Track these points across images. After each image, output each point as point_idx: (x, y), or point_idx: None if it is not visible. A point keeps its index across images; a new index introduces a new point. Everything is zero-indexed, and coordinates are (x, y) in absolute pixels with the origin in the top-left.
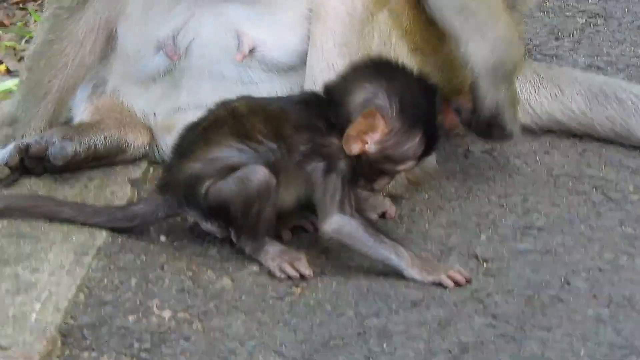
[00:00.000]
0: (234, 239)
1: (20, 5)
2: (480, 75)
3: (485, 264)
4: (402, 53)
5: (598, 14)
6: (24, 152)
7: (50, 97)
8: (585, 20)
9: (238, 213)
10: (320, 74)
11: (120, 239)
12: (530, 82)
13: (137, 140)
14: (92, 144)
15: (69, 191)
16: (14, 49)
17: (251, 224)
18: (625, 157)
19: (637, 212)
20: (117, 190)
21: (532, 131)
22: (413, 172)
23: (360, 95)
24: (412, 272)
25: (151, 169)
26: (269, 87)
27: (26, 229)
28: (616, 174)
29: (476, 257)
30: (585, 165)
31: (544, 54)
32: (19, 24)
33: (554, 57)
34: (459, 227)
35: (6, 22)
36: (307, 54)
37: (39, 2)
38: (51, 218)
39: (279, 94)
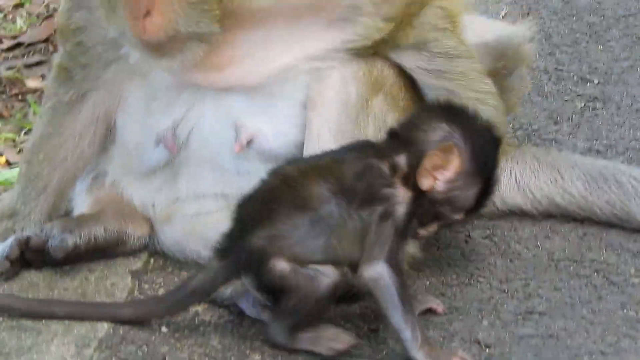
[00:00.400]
0: (266, 320)
1: (20, 97)
2: None
3: (487, 349)
4: None
5: (597, 98)
6: (24, 245)
7: (50, 189)
8: (584, 104)
9: (295, 306)
10: None
11: (121, 330)
12: (529, 167)
13: (137, 232)
14: (92, 236)
15: (70, 283)
16: (14, 140)
17: (301, 318)
18: (626, 240)
19: (638, 295)
20: (117, 281)
21: (532, 216)
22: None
23: (437, 133)
24: (419, 354)
25: (152, 260)
26: None
27: (27, 322)
28: (617, 258)
29: (478, 342)
30: (586, 249)
31: (543, 138)
32: (18, 115)
33: (553, 142)
34: (460, 313)
35: (5, 113)
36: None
37: (39, 93)
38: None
39: None
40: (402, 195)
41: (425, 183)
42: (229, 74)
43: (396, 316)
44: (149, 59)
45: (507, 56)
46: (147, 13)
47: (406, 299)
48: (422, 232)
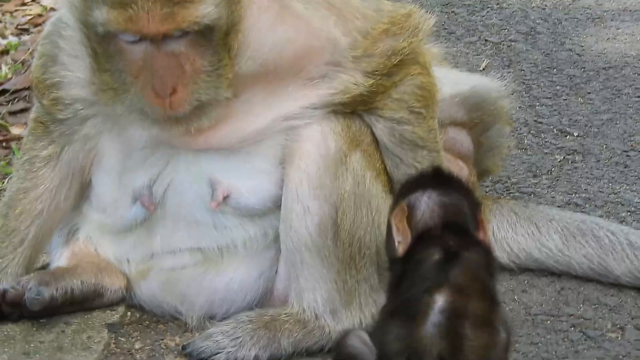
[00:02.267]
0: None
1: (4, 144)
2: None
3: None
4: (376, 193)
5: (576, 151)
6: (1, 298)
7: (27, 243)
8: (564, 157)
9: None
10: (296, 218)
11: None
12: (507, 220)
13: (113, 285)
14: (68, 288)
15: (46, 336)
16: None
17: None
18: (604, 295)
19: (615, 350)
20: (94, 335)
21: (509, 269)
22: None
23: None
24: None
25: (128, 313)
26: (242, 232)
27: None
28: (594, 312)
29: None
30: (563, 303)
31: (522, 191)
32: (2, 162)
33: (532, 195)
34: None
35: None
36: (281, 198)
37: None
38: None
39: (252, 238)
40: None
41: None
42: (206, 137)
43: None
44: (169, 129)
45: (483, 109)
46: (173, 91)
47: None
48: None
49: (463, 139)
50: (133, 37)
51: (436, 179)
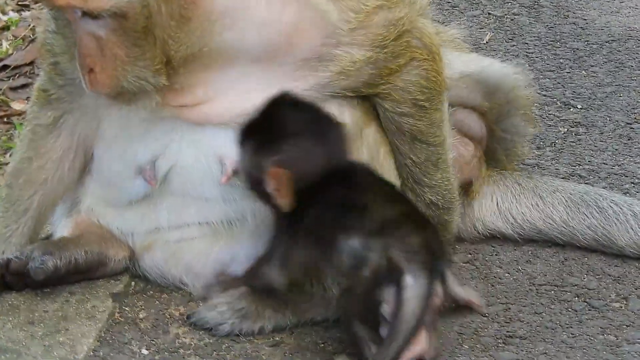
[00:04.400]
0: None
1: (5, 120)
2: None
3: None
4: (389, 168)
5: (580, 123)
6: (5, 267)
7: (31, 213)
8: (567, 130)
9: None
10: None
11: (101, 352)
12: (511, 192)
13: (117, 255)
14: (72, 258)
15: (50, 306)
16: None
17: None
18: (607, 265)
19: (619, 319)
20: (98, 304)
21: (514, 240)
22: None
23: None
24: None
25: (133, 283)
26: (252, 204)
27: (7, 343)
28: (598, 282)
29: None
30: (567, 273)
31: (526, 163)
32: (3, 137)
33: (536, 167)
34: (441, 337)
35: None
36: None
37: (23, 116)
38: None
39: (262, 209)
40: None
41: None
42: (205, 111)
43: None
44: (107, 101)
45: (496, 95)
46: (91, 70)
47: None
48: None
49: (472, 123)
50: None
51: (292, 121)
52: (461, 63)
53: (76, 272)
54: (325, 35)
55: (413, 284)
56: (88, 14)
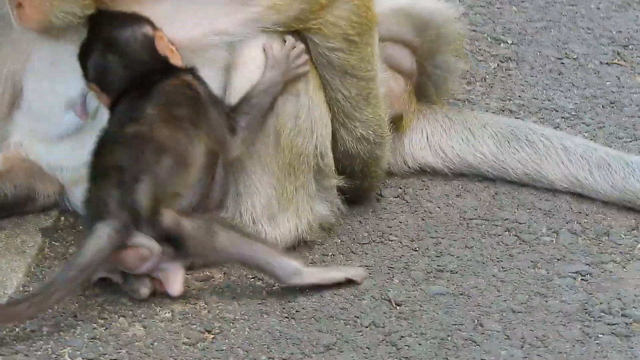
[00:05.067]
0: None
1: None
2: None
3: (398, 307)
4: (318, 102)
5: (510, 58)
6: None
7: None
8: (498, 65)
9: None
10: None
11: (31, 287)
12: (441, 125)
13: (46, 190)
14: (1, 193)
15: None
16: None
17: None
18: (538, 199)
19: (549, 253)
20: (27, 239)
21: (444, 175)
22: None
23: None
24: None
25: (62, 218)
26: None
27: None
28: (529, 216)
29: (389, 300)
30: (497, 208)
31: (456, 98)
32: None
33: (466, 102)
34: (371, 271)
35: None
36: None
37: None
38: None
39: None
40: None
41: None
42: None
43: None
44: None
45: (426, 31)
46: (19, 5)
47: None
48: None
49: (402, 58)
50: None
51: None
52: None
53: (4, 207)
54: None
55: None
56: None
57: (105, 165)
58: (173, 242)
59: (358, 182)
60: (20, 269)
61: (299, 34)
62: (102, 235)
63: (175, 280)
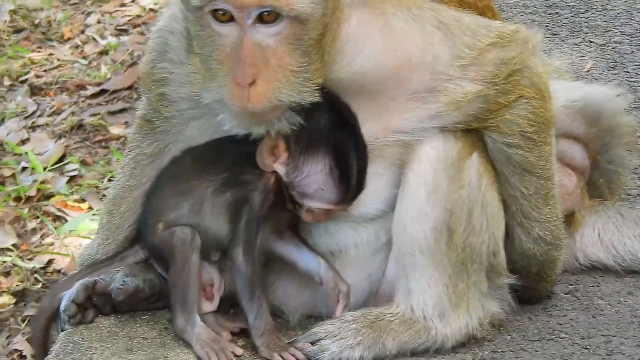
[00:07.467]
0: None
1: (103, 144)
2: None
3: None
4: (491, 201)
5: None
6: (91, 289)
7: (130, 243)
8: None
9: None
10: (410, 221)
11: None
12: (613, 222)
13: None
14: (156, 281)
15: (149, 333)
16: (97, 187)
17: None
18: None
19: None
20: None
21: (615, 272)
22: None
23: None
24: (258, 340)
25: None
26: (355, 236)
27: None
28: None
29: None
30: None
31: (628, 194)
32: (101, 162)
33: (638, 197)
34: None
35: (89, 160)
36: (394, 199)
37: (122, 140)
38: None
39: (364, 242)
40: (258, 182)
41: (263, 165)
42: None
43: (244, 301)
44: (246, 125)
45: (599, 123)
46: (253, 82)
47: (253, 287)
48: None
49: (576, 153)
50: (223, 10)
51: None
52: (565, 91)
53: (163, 296)
54: (437, 68)
55: None
56: (263, 19)
57: None
58: None
59: (533, 284)
60: None
61: (470, 131)
62: None
63: None
